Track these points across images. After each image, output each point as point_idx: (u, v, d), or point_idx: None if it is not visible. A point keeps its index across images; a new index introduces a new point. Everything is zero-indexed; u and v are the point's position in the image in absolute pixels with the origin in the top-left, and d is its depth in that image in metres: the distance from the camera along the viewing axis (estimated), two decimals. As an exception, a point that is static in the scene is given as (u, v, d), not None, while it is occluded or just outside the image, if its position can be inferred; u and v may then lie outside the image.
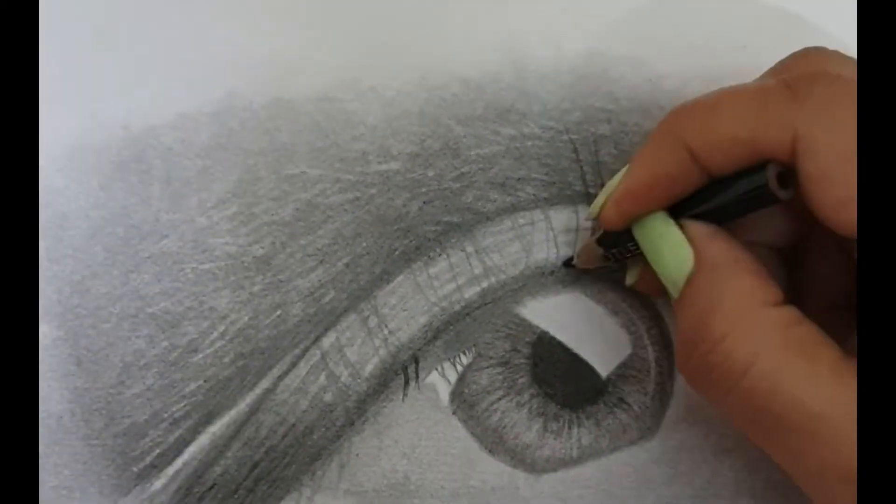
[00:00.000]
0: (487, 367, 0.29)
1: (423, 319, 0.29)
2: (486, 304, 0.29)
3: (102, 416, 0.28)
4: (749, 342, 0.22)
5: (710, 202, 0.24)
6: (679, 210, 0.25)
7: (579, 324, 0.30)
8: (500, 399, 0.29)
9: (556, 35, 0.30)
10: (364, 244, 0.29)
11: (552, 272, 0.29)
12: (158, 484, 0.28)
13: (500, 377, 0.29)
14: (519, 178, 0.29)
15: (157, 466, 0.28)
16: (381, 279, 0.29)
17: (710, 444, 0.29)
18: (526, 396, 0.29)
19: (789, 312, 0.23)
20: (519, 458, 0.29)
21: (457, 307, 0.29)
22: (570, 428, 0.29)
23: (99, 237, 0.28)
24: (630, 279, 0.29)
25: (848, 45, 0.27)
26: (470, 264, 0.29)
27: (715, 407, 0.24)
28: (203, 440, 0.28)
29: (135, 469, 0.28)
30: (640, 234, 0.26)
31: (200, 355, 0.28)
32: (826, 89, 0.22)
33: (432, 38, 0.30)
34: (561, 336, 0.30)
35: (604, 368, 0.30)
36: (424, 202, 0.29)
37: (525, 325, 0.30)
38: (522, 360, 0.29)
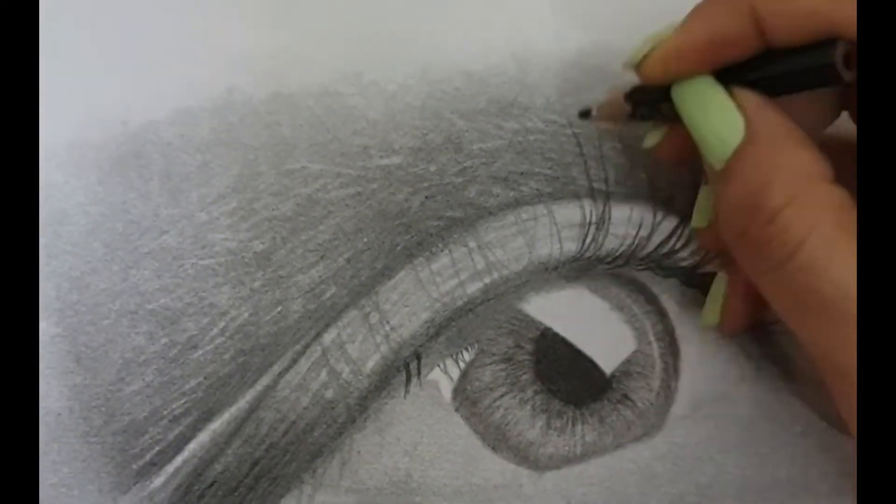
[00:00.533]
0: (490, 364, 0.29)
1: (425, 315, 0.29)
2: (488, 300, 0.29)
3: (101, 414, 0.28)
4: (808, 215, 0.22)
5: (766, 70, 0.23)
6: (729, 77, 0.24)
7: (583, 320, 0.30)
8: (502, 396, 0.29)
9: (560, 28, 0.30)
10: (365, 239, 0.29)
11: (556, 268, 0.29)
12: (158, 481, 0.28)
13: (503, 374, 0.29)
14: (522, 173, 0.29)
15: (156, 464, 0.28)
16: (382, 275, 0.29)
17: (716, 440, 0.29)
18: (529, 393, 0.29)
19: (843, 194, 0.22)
20: (522, 456, 0.29)
21: (459, 303, 0.29)
22: (573, 425, 0.29)
23: (98, 233, 0.28)
24: (651, 140, 0.27)
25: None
26: (472, 260, 0.29)
27: (760, 283, 0.23)
28: (203, 437, 0.28)
29: (134, 466, 0.28)
30: (682, 96, 0.25)
31: (200, 352, 0.28)
32: None
33: (434, 32, 0.30)
34: (564, 332, 0.29)
35: (608, 365, 0.30)
36: (426, 197, 0.29)
37: (528, 321, 0.29)
38: (525, 357, 0.29)
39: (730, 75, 0.24)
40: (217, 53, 0.29)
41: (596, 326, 0.29)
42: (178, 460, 0.28)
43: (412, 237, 0.29)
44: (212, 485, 0.28)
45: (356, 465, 0.29)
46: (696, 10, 0.24)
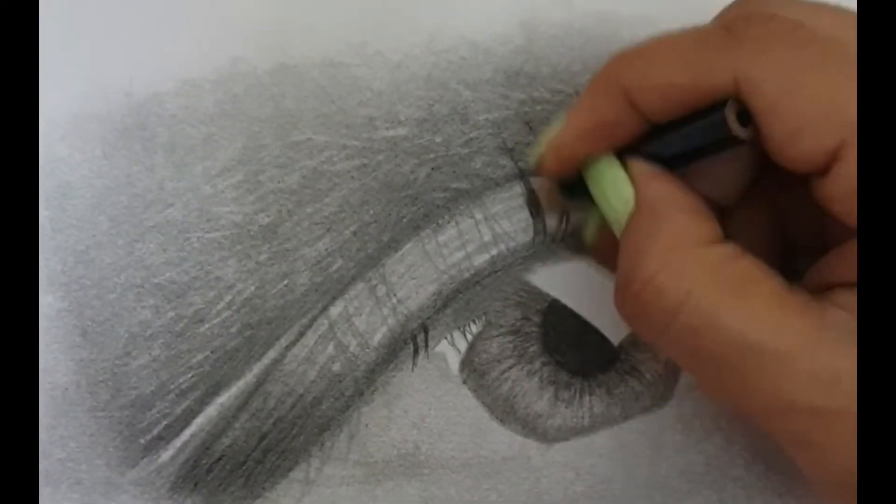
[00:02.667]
0: (497, 336, 0.29)
1: (432, 288, 0.29)
2: (495, 272, 0.29)
3: (108, 388, 0.28)
4: (680, 280, 0.22)
5: (665, 142, 0.24)
6: (632, 152, 0.24)
7: (590, 291, 0.29)
8: (510, 368, 0.29)
9: (566, -4, 0.30)
10: (371, 212, 0.29)
11: (562, 239, 0.29)
12: (166, 456, 0.28)
13: (511, 346, 0.29)
14: (528, 144, 0.29)
15: (164, 438, 0.28)
16: (389, 247, 0.29)
17: (724, 411, 0.29)
18: (537, 365, 0.29)
19: (725, 249, 0.23)
20: (530, 428, 0.29)
21: (466, 275, 0.29)
22: (581, 396, 0.29)
23: (103, 206, 0.28)
24: (590, 238, 0.28)
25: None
26: (479, 231, 0.29)
27: (655, 346, 0.24)
28: (210, 411, 0.28)
29: (142, 441, 0.28)
30: (587, 176, 0.25)
31: (207, 326, 0.28)
32: (762, 28, 0.22)
33: (440, 1, 0.29)
34: (572, 304, 0.29)
35: (615, 336, 0.29)
36: (432, 168, 0.29)
37: (535, 292, 0.29)
38: (533, 329, 0.29)
39: (635, 151, 0.24)
40: (221, 24, 0.29)
41: (604, 298, 0.29)
42: (186, 434, 0.28)
43: (418, 209, 0.29)
44: (220, 459, 0.28)
45: (364, 438, 0.29)
46: (577, 102, 0.25)
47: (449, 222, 0.29)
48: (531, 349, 0.29)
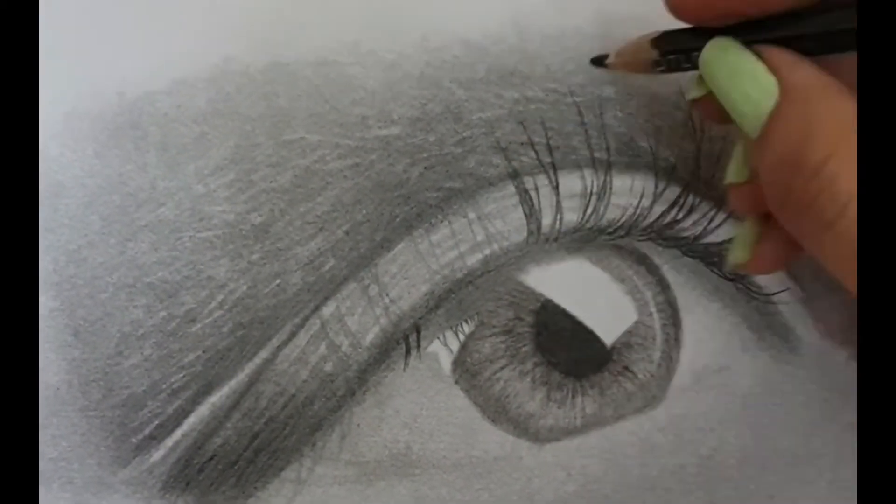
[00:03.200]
0: (490, 336, 0.29)
1: (424, 287, 0.29)
2: (488, 272, 0.29)
3: (100, 387, 0.28)
4: (854, 166, 0.20)
5: (800, 27, 0.22)
6: (765, 32, 0.23)
7: (583, 291, 0.29)
8: (502, 368, 0.29)
9: (560, -5, 0.29)
10: (364, 211, 0.28)
11: (556, 239, 0.29)
12: (158, 455, 0.28)
13: (503, 346, 0.29)
14: (522, 143, 0.29)
15: (156, 437, 0.28)
16: (381, 247, 0.29)
17: (717, 412, 0.29)
18: (529, 365, 0.29)
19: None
20: (522, 428, 0.29)
21: (459, 275, 0.29)
22: (573, 397, 0.29)
23: (95, 206, 0.28)
24: (695, 92, 0.25)
25: None
26: (472, 231, 0.29)
27: (811, 246, 0.22)
28: (202, 411, 0.28)
29: (134, 440, 0.28)
30: (710, 66, 0.23)
31: (199, 325, 0.28)
32: None
33: (433, 0, 0.29)
34: (565, 304, 0.29)
35: (608, 337, 0.29)
36: (425, 168, 0.29)
37: (528, 292, 0.29)
38: (526, 329, 0.29)
39: (766, 31, 0.23)
40: (213, 23, 0.29)
41: (597, 298, 0.29)
42: (178, 434, 0.28)
43: (411, 208, 0.29)
44: (211, 458, 0.28)
45: (356, 438, 0.29)
46: None
47: (442, 222, 0.29)
48: (524, 349, 0.29)
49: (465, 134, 0.29)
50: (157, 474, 0.28)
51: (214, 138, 0.28)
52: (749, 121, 0.23)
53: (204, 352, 0.28)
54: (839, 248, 0.21)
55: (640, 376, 0.29)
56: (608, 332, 0.29)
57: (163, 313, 0.28)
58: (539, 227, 0.29)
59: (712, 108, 0.25)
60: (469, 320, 0.29)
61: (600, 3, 0.29)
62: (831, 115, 0.21)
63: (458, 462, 0.29)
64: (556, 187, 0.29)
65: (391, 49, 0.29)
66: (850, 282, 0.21)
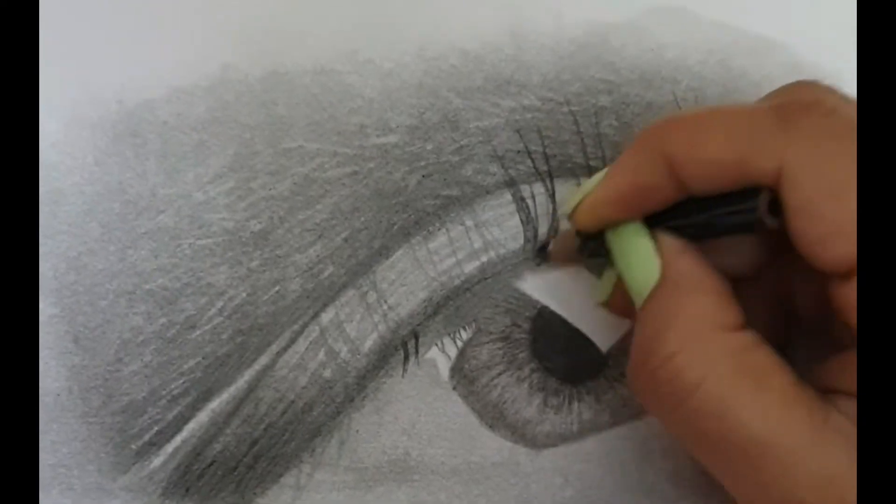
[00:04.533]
0: (487, 343, 0.29)
1: (422, 294, 0.29)
2: (485, 279, 0.29)
3: (100, 394, 0.28)
4: (699, 363, 0.22)
5: (692, 218, 0.24)
6: (658, 220, 0.25)
7: (580, 298, 0.29)
8: (500, 374, 0.29)
9: (556, 4, 0.30)
10: (362, 219, 0.29)
11: (545, 259, 0.29)
12: (157, 461, 0.28)
13: (501, 352, 0.29)
14: (519, 151, 0.29)
15: (155, 444, 0.28)
16: (379, 254, 0.29)
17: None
18: (526, 371, 0.29)
19: (745, 338, 0.23)
20: (519, 434, 0.29)
21: (456, 282, 0.29)
22: (570, 403, 0.29)
23: (95, 213, 0.28)
24: (601, 296, 0.28)
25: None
26: (469, 238, 0.29)
27: (664, 425, 0.24)
28: (202, 417, 0.28)
29: (133, 447, 0.28)
30: (612, 240, 0.26)
31: (198, 332, 0.28)
32: (819, 121, 0.22)
33: (430, 9, 0.30)
34: (561, 311, 0.29)
35: (604, 343, 0.30)
36: (423, 176, 0.29)
37: (525, 299, 0.29)
38: (522, 335, 0.29)
39: (661, 219, 0.24)
40: (212, 31, 0.29)
41: (592, 304, 0.29)
42: (178, 440, 0.28)
43: (409, 216, 0.29)
44: (211, 464, 0.28)
45: (355, 443, 0.29)
46: (618, 161, 0.25)
47: (440, 229, 0.29)
48: (521, 356, 0.29)
49: (462, 142, 0.29)
50: (157, 480, 0.28)
51: (214, 146, 0.28)
52: (634, 294, 0.25)
53: (203, 358, 0.28)
54: (680, 430, 0.23)
55: (636, 382, 0.29)
56: (604, 338, 0.29)
57: (162, 320, 0.28)
58: (535, 235, 0.29)
59: (619, 308, 0.28)
60: (467, 327, 0.29)
61: (596, 14, 0.30)
62: (691, 311, 0.23)
63: (457, 468, 0.29)
64: (553, 195, 0.29)
65: (389, 58, 0.29)
66: (701, 460, 0.23)
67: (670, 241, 0.24)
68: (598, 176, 0.26)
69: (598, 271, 0.29)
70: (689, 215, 0.24)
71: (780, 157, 0.21)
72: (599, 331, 0.30)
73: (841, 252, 0.21)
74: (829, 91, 0.23)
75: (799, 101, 0.22)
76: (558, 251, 0.28)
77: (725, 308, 0.23)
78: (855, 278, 0.21)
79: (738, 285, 0.25)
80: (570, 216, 0.26)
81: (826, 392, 0.22)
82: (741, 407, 0.21)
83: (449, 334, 0.29)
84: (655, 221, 0.25)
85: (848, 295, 0.21)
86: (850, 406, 0.22)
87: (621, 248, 0.25)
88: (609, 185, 0.25)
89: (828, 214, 0.21)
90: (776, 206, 0.22)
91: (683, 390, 0.22)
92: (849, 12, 0.26)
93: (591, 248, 0.27)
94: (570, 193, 0.27)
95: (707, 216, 0.23)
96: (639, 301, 0.24)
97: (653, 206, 0.24)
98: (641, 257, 0.24)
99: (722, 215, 0.23)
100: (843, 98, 0.23)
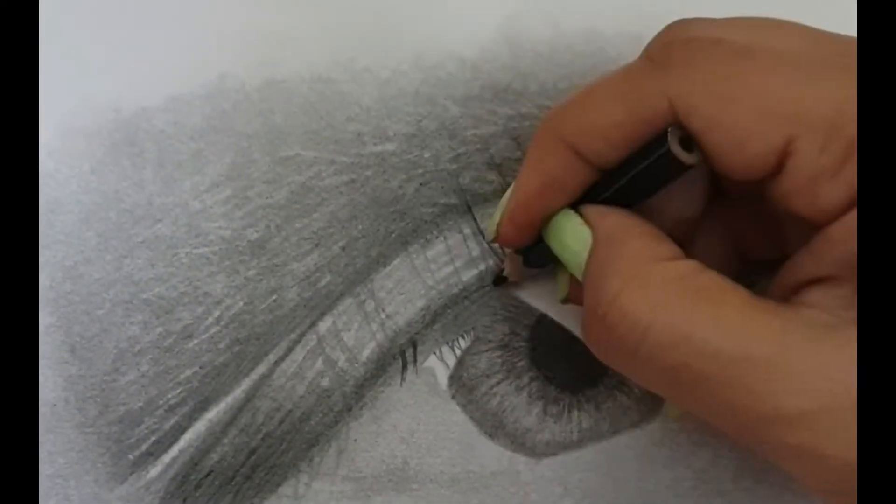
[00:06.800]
0: (486, 351, 0.29)
1: (420, 303, 0.29)
2: (484, 287, 0.29)
3: (97, 404, 0.28)
4: (645, 296, 0.22)
5: (616, 184, 0.24)
6: (587, 202, 0.25)
7: (579, 306, 0.29)
8: (499, 383, 0.29)
9: (553, 13, 0.30)
10: (360, 227, 0.29)
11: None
12: (154, 471, 0.28)
13: (500, 360, 0.29)
14: (516, 159, 0.29)
15: (152, 454, 0.28)
16: (377, 262, 0.29)
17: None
18: (525, 380, 0.29)
19: (687, 265, 0.22)
20: (519, 442, 0.29)
21: (455, 290, 0.29)
22: (570, 411, 0.29)
23: (91, 222, 0.28)
24: (560, 294, 0.28)
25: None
26: (467, 246, 0.29)
27: (630, 376, 0.23)
28: (199, 427, 0.28)
29: (130, 457, 0.28)
30: (547, 235, 0.25)
31: (195, 341, 0.28)
32: (685, 52, 0.22)
33: (427, 17, 0.30)
34: (560, 319, 0.29)
35: (603, 351, 0.29)
36: (421, 184, 0.29)
37: (524, 307, 0.29)
38: (522, 344, 0.29)
39: (589, 200, 0.24)
40: (209, 40, 0.29)
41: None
42: (175, 450, 0.28)
43: (407, 224, 0.29)
44: (208, 474, 0.28)
45: (353, 453, 0.28)
46: (523, 167, 0.25)
47: (437, 237, 0.29)
48: (520, 364, 0.29)
49: (460, 150, 0.29)
50: (154, 491, 0.28)
51: (211, 155, 0.28)
52: (575, 268, 0.24)
53: (201, 368, 0.28)
54: (648, 373, 0.22)
55: (636, 391, 0.29)
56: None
57: (159, 329, 0.28)
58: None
59: (580, 299, 0.27)
60: (465, 335, 0.29)
61: (592, 22, 0.30)
62: (627, 254, 0.23)
63: (456, 477, 0.29)
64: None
65: (386, 66, 0.29)
66: (671, 399, 0.23)
67: (592, 208, 0.24)
68: (507, 194, 0.26)
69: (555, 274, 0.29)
70: (608, 188, 0.24)
71: (665, 93, 0.22)
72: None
73: (758, 149, 0.21)
74: (694, 23, 0.23)
75: (665, 42, 0.23)
76: (511, 272, 0.28)
77: (661, 243, 0.23)
78: (789, 163, 0.21)
79: (690, 241, 0.25)
80: (496, 240, 0.26)
81: (787, 296, 0.22)
82: (702, 327, 0.21)
83: (447, 343, 0.29)
84: (584, 204, 0.25)
85: (787, 183, 0.21)
86: (820, 293, 0.21)
87: (555, 236, 0.25)
88: (522, 189, 0.25)
89: (730, 121, 0.21)
90: (688, 142, 0.22)
91: (638, 327, 0.21)
92: (849, 12, 0.26)
93: (533, 258, 0.27)
94: (491, 219, 0.27)
95: (629, 178, 0.23)
96: (580, 271, 0.24)
97: (570, 194, 0.24)
98: (572, 233, 0.24)
99: (642, 171, 0.23)
100: (707, 23, 0.23)
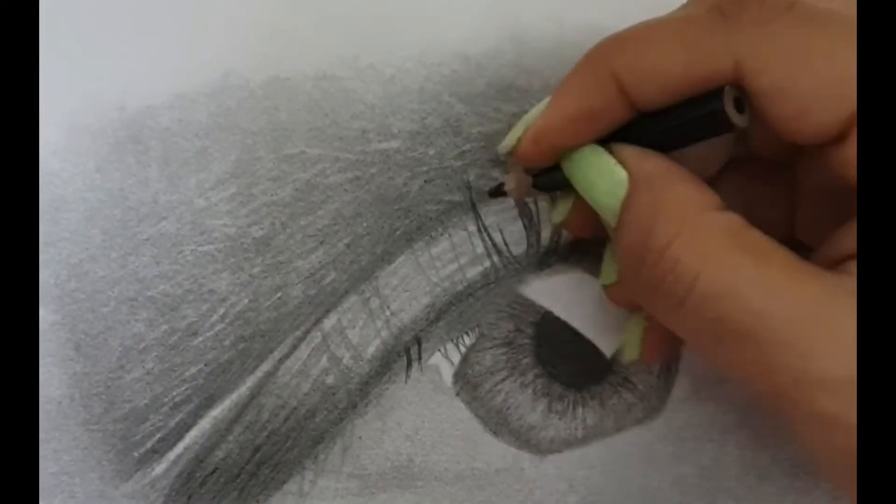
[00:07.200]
0: (491, 348, 0.29)
1: (425, 300, 0.29)
2: (488, 284, 0.29)
3: (102, 401, 0.28)
4: (697, 245, 0.21)
5: (654, 129, 0.23)
6: (617, 139, 0.24)
7: (583, 303, 0.29)
8: (503, 380, 0.29)
9: (557, 10, 0.30)
10: (365, 224, 0.29)
11: (556, 251, 0.29)
12: (160, 469, 0.28)
13: (504, 358, 0.29)
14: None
15: (158, 451, 0.28)
16: (382, 260, 0.29)
17: (716, 422, 0.29)
18: (530, 377, 0.29)
19: (733, 218, 0.22)
20: (523, 439, 0.29)
21: (459, 287, 0.29)
22: (574, 408, 0.29)
23: (96, 220, 0.28)
24: (557, 217, 0.27)
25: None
26: (472, 244, 0.29)
27: (670, 325, 0.23)
28: (204, 424, 0.28)
29: (136, 454, 0.28)
30: (569, 167, 0.25)
31: (200, 338, 0.28)
32: (758, 10, 0.21)
33: (431, 14, 0.30)
34: (565, 315, 0.29)
35: (608, 348, 0.29)
36: (425, 181, 0.29)
37: (528, 304, 0.29)
38: (526, 341, 0.29)
39: (620, 138, 0.24)
40: (214, 37, 0.29)
41: (596, 309, 0.29)
42: (180, 447, 0.28)
43: (411, 221, 0.29)
44: (213, 472, 0.28)
45: (358, 450, 0.29)
46: (562, 87, 0.24)
47: (442, 234, 0.29)
48: (524, 361, 0.29)
49: (464, 147, 0.29)
50: (160, 488, 0.28)
51: (215, 152, 0.28)
52: (607, 211, 0.24)
53: (206, 365, 0.28)
54: (691, 324, 0.22)
55: (640, 387, 0.29)
56: (608, 343, 0.29)
57: (164, 327, 0.28)
58: (538, 240, 0.29)
59: (577, 225, 0.27)
60: (470, 332, 0.29)
61: (596, 19, 0.30)
62: (674, 200, 0.22)
63: (460, 474, 0.29)
64: (555, 200, 0.29)
65: (390, 64, 0.29)
66: (708, 358, 0.22)
67: (629, 149, 0.24)
68: (539, 106, 0.25)
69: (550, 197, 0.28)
70: (644, 132, 0.23)
71: (734, 53, 0.21)
72: (604, 336, 0.29)
73: (826, 118, 0.21)
74: None
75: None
76: (514, 189, 0.27)
77: (704, 193, 0.22)
78: (848, 137, 0.21)
79: None
80: (512, 153, 0.26)
81: (832, 265, 0.21)
82: (750, 283, 0.20)
83: (452, 340, 0.29)
84: (613, 143, 0.24)
85: (848, 152, 0.21)
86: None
87: (581, 170, 0.24)
88: (555, 112, 0.24)
89: (801, 88, 0.21)
90: (740, 104, 0.22)
91: (688, 277, 0.21)
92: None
93: (544, 182, 0.26)
94: (513, 129, 0.26)
95: (672, 127, 0.23)
96: (613, 217, 0.23)
97: (603, 129, 0.24)
98: (605, 172, 0.24)
99: (685, 123, 0.22)
100: None
